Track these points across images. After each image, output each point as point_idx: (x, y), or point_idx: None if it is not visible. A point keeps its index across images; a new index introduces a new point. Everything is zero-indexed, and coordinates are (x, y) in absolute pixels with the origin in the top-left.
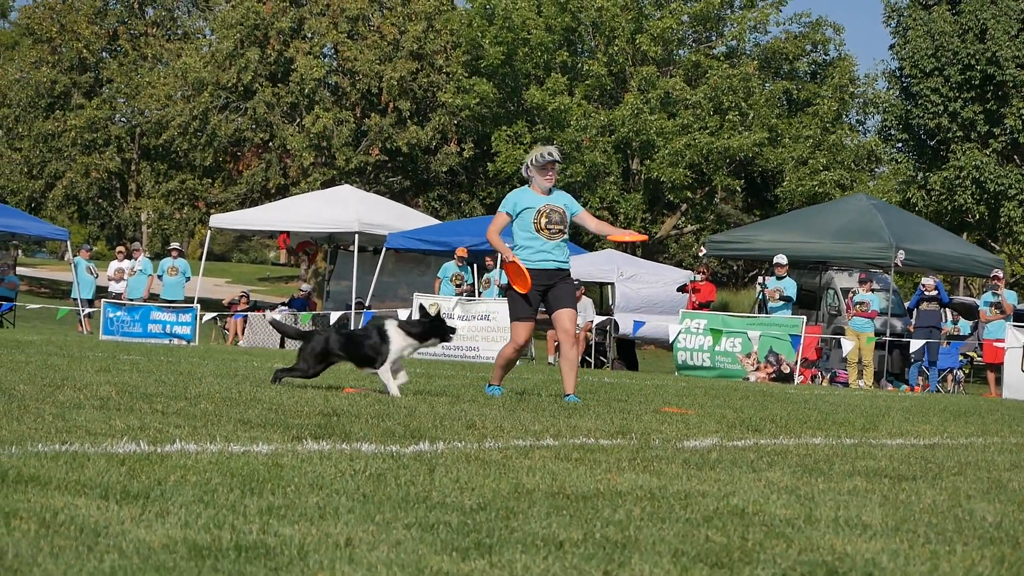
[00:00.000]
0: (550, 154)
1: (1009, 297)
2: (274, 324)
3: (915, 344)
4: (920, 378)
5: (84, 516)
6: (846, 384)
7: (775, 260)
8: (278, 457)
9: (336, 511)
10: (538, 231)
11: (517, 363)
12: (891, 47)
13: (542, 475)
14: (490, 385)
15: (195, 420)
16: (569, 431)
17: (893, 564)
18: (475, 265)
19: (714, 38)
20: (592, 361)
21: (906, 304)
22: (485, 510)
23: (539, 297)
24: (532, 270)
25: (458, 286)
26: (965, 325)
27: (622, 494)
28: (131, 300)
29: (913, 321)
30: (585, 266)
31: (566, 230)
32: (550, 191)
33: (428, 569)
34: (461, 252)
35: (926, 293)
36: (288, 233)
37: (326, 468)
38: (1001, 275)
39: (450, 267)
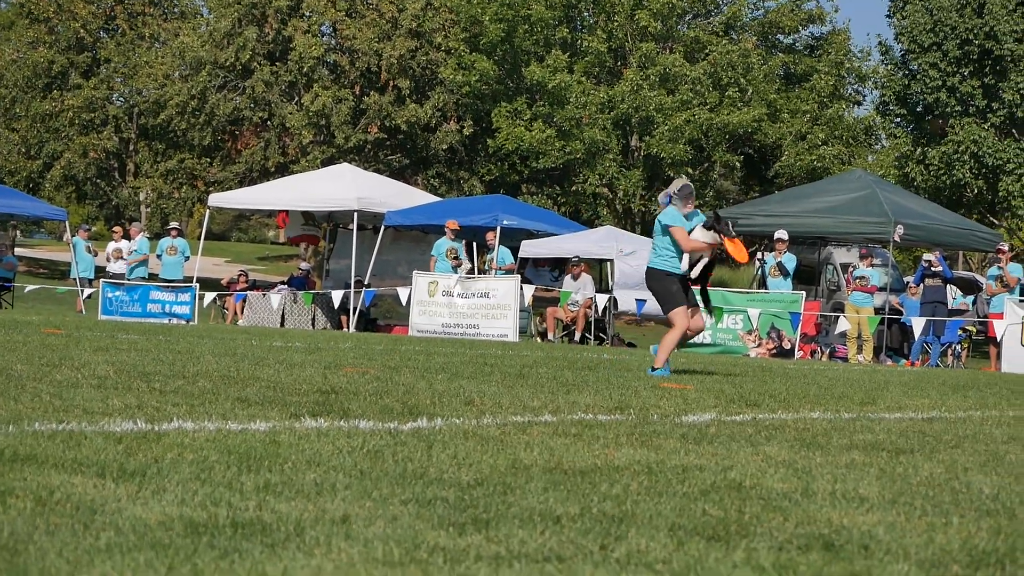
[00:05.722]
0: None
1: (1013, 270)
2: None
3: (921, 320)
4: (921, 354)
5: (80, 494)
6: (845, 359)
7: (776, 236)
8: (276, 435)
9: (333, 488)
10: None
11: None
12: (888, 17)
13: (540, 451)
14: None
15: (193, 399)
16: (567, 407)
17: (890, 536)
18: (474, 243)
19: (713, 13)
20: (591, 338)
21: (907, 279)
22: (482, 486)
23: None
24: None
25: (455, 258)
26: (966, 299)
27: (619, 469)
28: (130, 280)
29: (919, 297)
30: (584, 243)
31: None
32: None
33: (425, 544)
34: (452, 225)
35: (931, 269)
36: (287, 212)
37: (323, 445)
38: (1006, 248)
39: (443, 243)
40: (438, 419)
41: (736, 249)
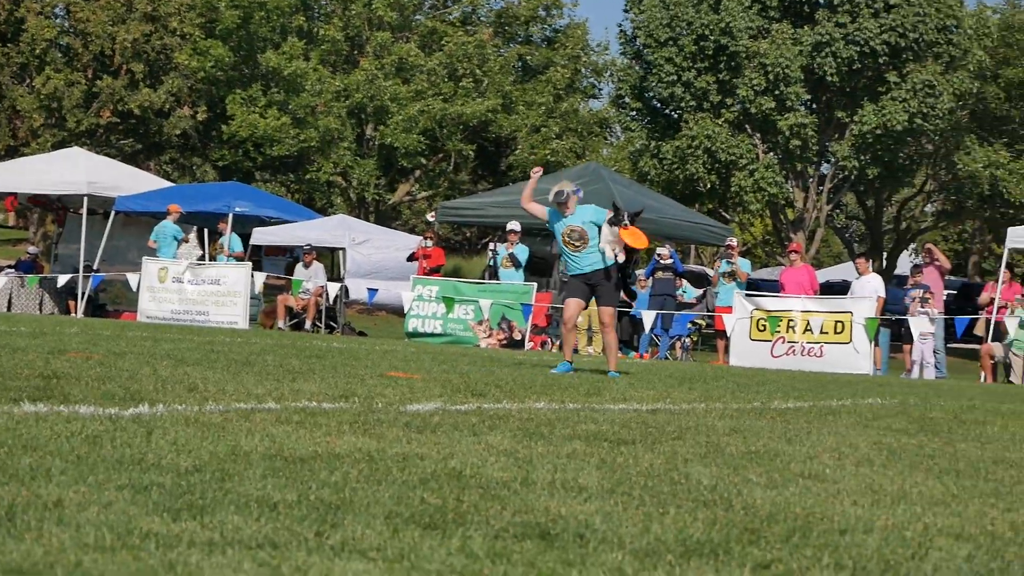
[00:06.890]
0: (560, 192)
1: (743, 265)
2: None
3: (651, 313)
4: (650, 347)
5: None
6: (576, 350)
7: (508, 227)
8: None
9: (48, 472)
10: (565, 245)
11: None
12: (625, 11)
13: (261, 438)
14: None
15: None
16: (292, 395)
17: (606, 526)
18: (206, 230)
19: (451, 4)
20: (322, 326)
21: (639, 272)
22: (200, 472)
23: (587, 289)
24: (572, 275)
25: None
26: (691, 292)
27: (340, 456)
28: None
29: (649, 290)
30: (317, 232)
31: (589, 241)
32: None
33: (138, 530)
34: (174, 208)
35: (661, 262)
36: (16, 195)
37: (41, 430)
38: (735, 243)
39: (167, 226)
40: (160, 405)
41: (633, 237)
